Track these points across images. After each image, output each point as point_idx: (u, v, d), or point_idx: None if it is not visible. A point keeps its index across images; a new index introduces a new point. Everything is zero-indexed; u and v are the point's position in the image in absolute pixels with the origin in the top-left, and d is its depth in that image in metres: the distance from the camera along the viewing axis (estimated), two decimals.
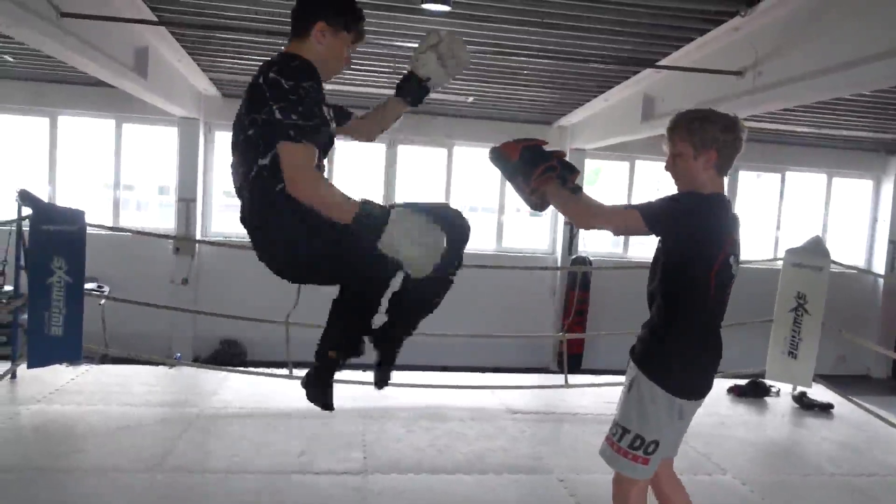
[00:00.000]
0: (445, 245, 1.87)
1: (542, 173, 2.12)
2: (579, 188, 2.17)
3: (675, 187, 2.16)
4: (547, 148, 2.23)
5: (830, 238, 9.63)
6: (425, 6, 4.56)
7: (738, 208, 8.81)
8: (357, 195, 1.83)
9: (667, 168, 2.16)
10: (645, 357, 2.13)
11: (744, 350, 6.02)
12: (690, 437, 4.30)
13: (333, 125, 2.06)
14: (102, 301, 6.75)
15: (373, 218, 1.77)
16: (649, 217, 2.01)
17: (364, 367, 6.08)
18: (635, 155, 9.34)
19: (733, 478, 3.77)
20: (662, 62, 5.44)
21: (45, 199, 4.84)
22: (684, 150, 2.07)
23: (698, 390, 2.16)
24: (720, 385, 5.65)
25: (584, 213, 2.13)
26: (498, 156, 2.25)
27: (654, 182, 10.11)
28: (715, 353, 2.17)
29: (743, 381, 5.59)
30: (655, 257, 2.17)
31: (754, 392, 5.47)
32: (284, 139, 1.75)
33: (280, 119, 1.74)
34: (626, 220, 2.07)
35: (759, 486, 3.68)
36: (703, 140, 2.04)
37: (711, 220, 2.06)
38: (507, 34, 5.10)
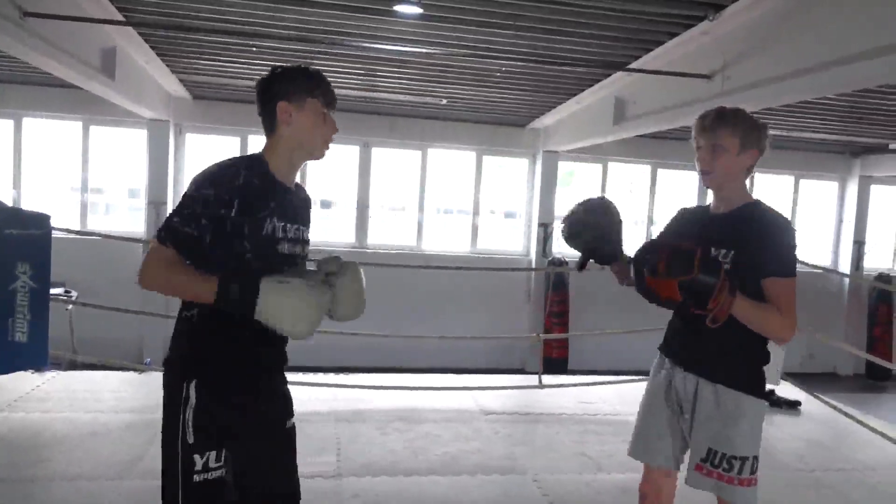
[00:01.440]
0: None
1: (721, 292, 1.85)
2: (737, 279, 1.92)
3: (703, 179, 2.10)
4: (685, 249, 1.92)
5: (798, 239, 9.82)
6: (397, 8, 4.55)
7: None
8: (218, 275, 1.61)
9: (702, 159, 2.07)
10: (745, 377, 2.07)
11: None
12: None
13: (271, 226, 1.72)
14: (70, 307, 6.63)
15: (239, 293, 1.58)
16: (794, 272, 2.00)
17: (337, 370, 6.04)
18: (608, 157, 9.43)
19: None
20: (633, 65, 5.50)
21: (10, 203, 4.73)
22: (730, 144, 2.03)
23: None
24: None
25: (788, 327, 1.98)
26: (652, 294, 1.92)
27: (627, 184, 10.23)
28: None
29: None
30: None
31: None
32: (159, 240, 1.66)
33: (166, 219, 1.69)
34: (793, 292, 2.00)
35: None
36: (751, 139, 2.05)
37: None
38: (480, 36, 5.11)
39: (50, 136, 8.52)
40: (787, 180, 10.22)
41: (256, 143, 8.72)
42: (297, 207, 1.83)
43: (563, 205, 9.54)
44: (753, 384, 2.07)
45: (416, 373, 5.89)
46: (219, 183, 1.65)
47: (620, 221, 2.24)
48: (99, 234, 5.78)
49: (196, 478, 1.62)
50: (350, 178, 9.13)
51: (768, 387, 5.37)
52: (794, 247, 2.02)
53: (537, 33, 4.97)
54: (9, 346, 3.97)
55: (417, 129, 8.96)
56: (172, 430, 1.65)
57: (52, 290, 4.26)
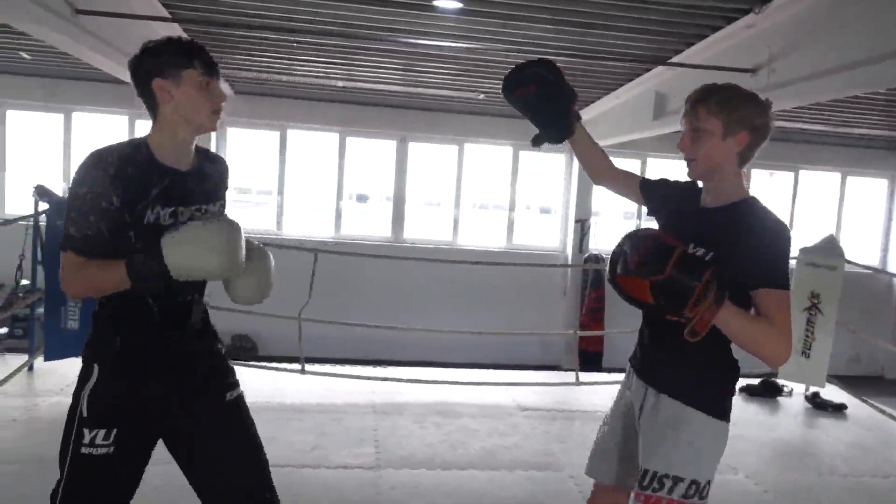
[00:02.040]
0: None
1: (703, 298, 1.54)
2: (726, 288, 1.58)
3: (688, 169, 1.83)
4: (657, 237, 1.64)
5: (844, 237, 9.55)
6: (437, 3, 4.56)
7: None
8: (118, 264, 1.61)
9: (681, 145, 1.80)
10: (695, 389, 1.78)
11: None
12: None
13: (157, 213, 1.68)
14: None
15: (144, 261, 1.58)
16: (789, 283, 1.71)
17: (374, 364, 6.10)
18: (647, 152, 9.30)
19: (746, 477, 3.76)
20: (674, 59, 5.42)
21: (61, 195, 4.89)
22: (712, 126, 1.73)
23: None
24: None
25: (782, 345, 1.65)
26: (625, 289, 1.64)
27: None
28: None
29: (755, 381, 5.57)
30: None
31: (766, 392, 5.45)
32: (61, 249, 1.65)
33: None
34: (789, 308, 1.69)
35: (772, 486, 3.68)
36: (738, 119, 1.72)
37: None
38: (519, 31, 5.09)
39: (98, 130, 8.77)
40: (833, 177, 9.94)
41: (295, 137, 8.87)
42: (193, 187, 1.75)
43: (600, 201, 9.46)
44: (705, 399, 1.76)
45: (452, 367, 5.93)
46: (91, 179, 1.62)
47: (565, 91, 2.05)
48: None
49: (83, 450, 1.67)
50: (387, 172, 9.18)
51: (813, 389, 5.29)
52: (788, 256, 1.73)
53: (577, 27, 4.93)
54: (61, 333, 4.13)
55: (454, 124, 8.96)
56: (72, 404, 1.71)
57: None
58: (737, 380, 1.85)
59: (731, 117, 1.72)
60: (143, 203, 1.65)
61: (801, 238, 8.67)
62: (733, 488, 3.62)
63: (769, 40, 4.52)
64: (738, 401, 5.25)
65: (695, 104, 1.77)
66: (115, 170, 1.62)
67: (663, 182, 2.07)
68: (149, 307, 1.69)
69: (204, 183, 1.80)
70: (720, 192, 1.80)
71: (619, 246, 1.63)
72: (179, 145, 1.74)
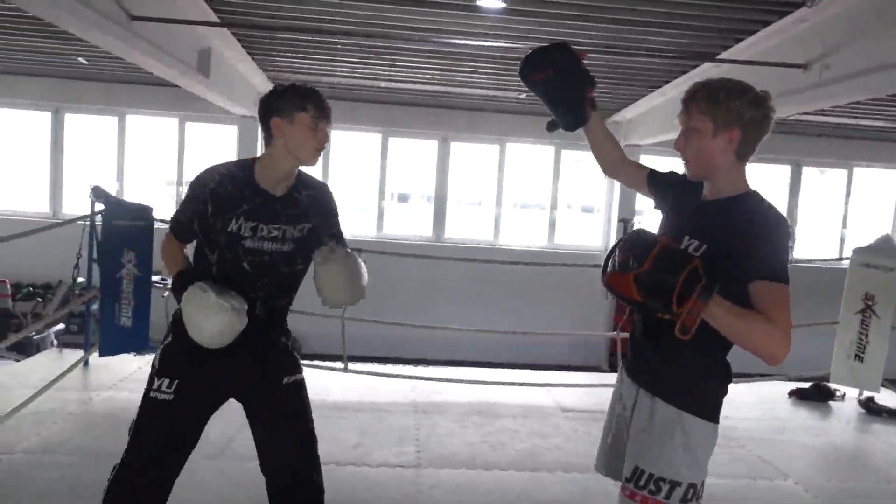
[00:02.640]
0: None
1: (690, 293, 1.51)
2: (716, 282, 1.54)
3: (686, 169, 1.82)
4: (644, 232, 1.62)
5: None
6: (480, 3, 4.56)
7: (803, 205, 8.49)
8: (180, 263, 2.10)
9: (676, 146, 1.78)
10: (690, 392, 1.77)
11: (807, 352, 5.83)
12: (749, 441, 4.22)
13: (236, 225, 2.01)
14: (166, 293, 7.02)
15: (176, 290, 1.99)
16: (787, 277, 1.63)
17: (415, 363, 6.13)
18: None
19: (795, 483, 3.66)
20: (723, 55, 5.30)
21: (115, 195, 5.05)
22: (703, 125, 1.70)
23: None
24: (781, 387, 5.48)
25: (780, 340, 1.58)
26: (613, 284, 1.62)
27: None
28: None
29: (806, 385, 5.41)
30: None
31: (818, 395, 5.29)
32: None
33: None
34: (788, 302, 1.63)
35: (824, 493, 3.57)
36: (727, 115, 1.68)
37: None
38: (562, 29, 5.04)
39: (150, 132, 9.05)
40: (889, 175, 9.59)
41: (338, 136, 8.97)
42: (279, 210, 2.05)
43: (645, 199, 9.31)
44: (699, 402, 1.76)
45: (492, 367, 5.92)
46: (195, 186, 2.04)
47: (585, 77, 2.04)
48: None
49: (151, 394, 2.03)
50: (428, 172, 9.22)
51: (867, 393, 5.12)
52: (787, 249, 1.68)
53: (622, 24, 4.87)
54: (115, 330, 4.28)
55: (495, 124, 8.94)
56: (154, 358, 2.10)
57: (152, 278, 4.54)
58: (730, 381, 1.82)
59: (719, 114, 1.69)
60: (229, 214, 2.00)
61: (856, 238, 8.40)
62: (783, 493, 3.53)
63: (823, 34, 4.38)
64: (787, 404, 5.14)
65: (686, 103, 1.75)
66: (214, 185, 2.01)
67: (671, 175, 2.01)
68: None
69: (292, 208, 2.08)
70: (719, 187, 1.78)
71: (612, 247, 1.63)
72: (279, 173, 2.06)
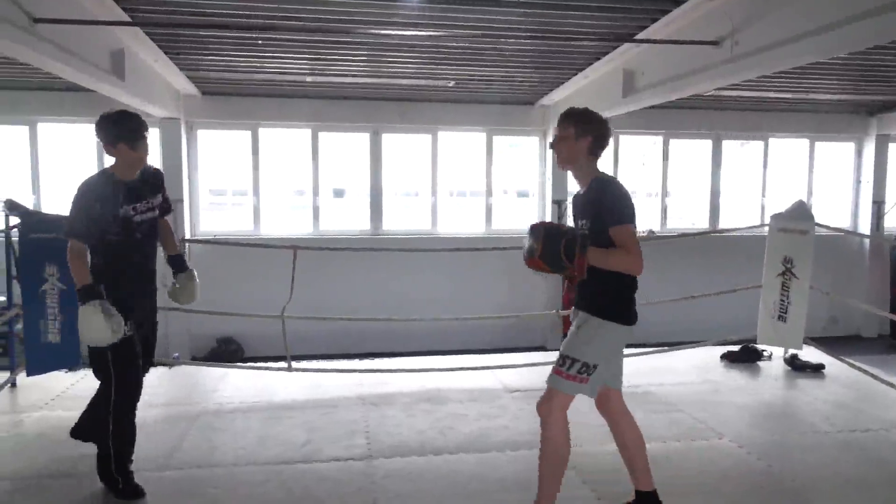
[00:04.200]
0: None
1: (574, 252, 2.47)
2: (588, 238, 2.54)
3: (557, 163, 2.79)
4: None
5: (816, 202, 9.71)
6: None
7: (724, 176, 8.78)
8: (87, 277, 2.91)
9: (552, 146, 2.79)
10: (598, 304, 2.69)
11: (734, 316, 6.12)
12: (686, 405, 4.41)
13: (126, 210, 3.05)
14: None
15: (80, 298, 2.87)
16: (631, 218, 2.56)
17: (361, 356, 6.10)
18: (619, 130, 9.37)
19: (730, 441, 3.85)
20: (640, 36, 5.46)
21: (31, 208, 4.82)
22: (568, 133, 2.69)
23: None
24: (713, 352, 5.74)
25: (634, 260, 2.51)
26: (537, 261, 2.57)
27: (639, 156, 10.17)
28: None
29: (735, 348, 5.68)
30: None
31: (747, 357, 5.57)
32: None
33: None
34: (637, 237, 2.55)
35: (757, 447, 3.77)
36: (584, 129, 2.68)
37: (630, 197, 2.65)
38: (485, 15, 5.09)
39: (64, 140, 8.62)
40: (802, 143, 10.10)
41: (266, 135, 8.80)
42: (140, 189, 3.10)
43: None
44: (602, 309, 2.66)
45: (438, 355, 5.96)
46: (84, 195, 2.96)
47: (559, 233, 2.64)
48: None
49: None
50: (362, 165, 9.15)
51: (792, 351, 5.41)
52: (623, 197, 2.59)
53: (543, 9, 4.94)
54: (42, 347, 4.09)
55: (427, 113, 8.94)
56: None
57: None
58: (628, 295, 2.69)
59: (579, 127, 2.69)
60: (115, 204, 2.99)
61: (774, 205, 8.84)
62: (720, 451, 3.71)
63: (731, 12, 4.57)
64: (720, 368, 5.40)
65: (560, 121, 2.75)
66: (100, 189, 2.97)
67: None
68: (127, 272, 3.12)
69: (145, 185, 3.16)
70: (582, 178, 2.75)
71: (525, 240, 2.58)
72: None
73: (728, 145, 9.92)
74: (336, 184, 9.55)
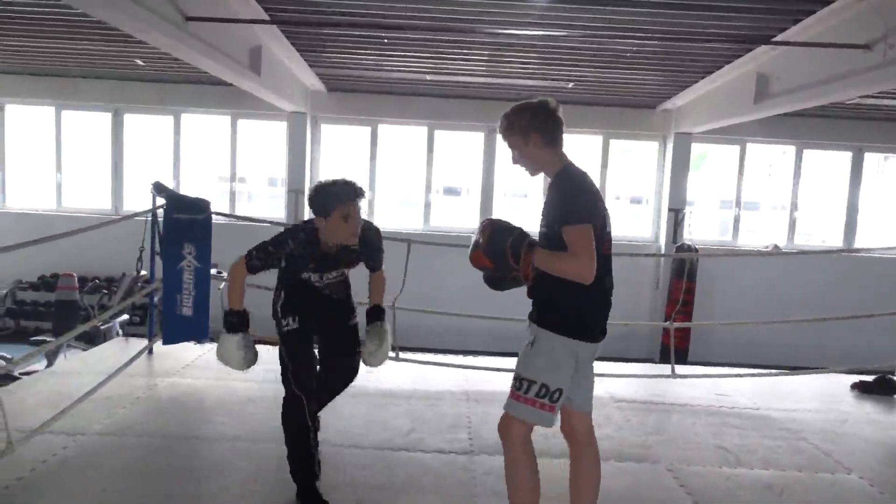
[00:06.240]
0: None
1: (516, 246, 2.29)
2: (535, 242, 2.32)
3: (528, 173, 2.47)
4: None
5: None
6: None
7: (864, 192, 8.17)
8: (241, 303, 2.95)
9: (514, 161, 2.45)
10: (547, 316, 2.36)
11: (868, 343, 5.64)
12: (810, 433, 4.11)
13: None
14: (222, 284, 7.23)
15: (225, 324, 2.93)
16: (586, 218, 2.20)
17: (466, 353, 6.16)
18: (746, 138, 8.88)
19: (860, 478, 3.55)
20: (779, 38, 5.14)
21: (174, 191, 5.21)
22: (515, 141, 2.36)
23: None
24: (841, 379, 5.32)
25: (583, 266, 2.17)
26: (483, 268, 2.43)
27: (766, 166, 9.59)
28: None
29: (869, 378, 5.23)
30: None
31: (881, 389, 5.11)
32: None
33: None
34: (591, 239, 2.19)
35: (891, 487, 3.45)
36: (522, 129, 2.33)
37: (593, 192, 2.33)
38: (611, 16, 4.99)
39: (203, 130, 9.31)
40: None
41: (385, 131, 9.06)
42: (336, 259, 2.99)
43: (696, 190, 9.12)
44: (552, 322, 2.30)
45: None
46: (278, 243, 2.88)
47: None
48: (251, 220, 6.25)
49: (285, 328, 2.96)
50: (475, 164, 9.22)
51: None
52: (578, 192, 2.25)
53: (676, 9, 4.77)
54: (177, 319, 4.44)
55: None
56: (273, 310, 2.99)
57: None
58: (584, 305, 2.32)
59: (518, 131, 2.34)
60: (301, 265, 2.94)
61: None
62: (846, 488, 3.43)
63: (884, 13, 4.22)
64: (849, 396, 4.99)
65: (503, 135, 2.41)
66: (292, 245, 2.88)
67: None
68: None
69: (343, 256, 3.02)
70: (548, 175, 2.39)
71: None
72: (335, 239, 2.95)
73: (870, 158, 9.15)
74: (449, 182, 9.69)
